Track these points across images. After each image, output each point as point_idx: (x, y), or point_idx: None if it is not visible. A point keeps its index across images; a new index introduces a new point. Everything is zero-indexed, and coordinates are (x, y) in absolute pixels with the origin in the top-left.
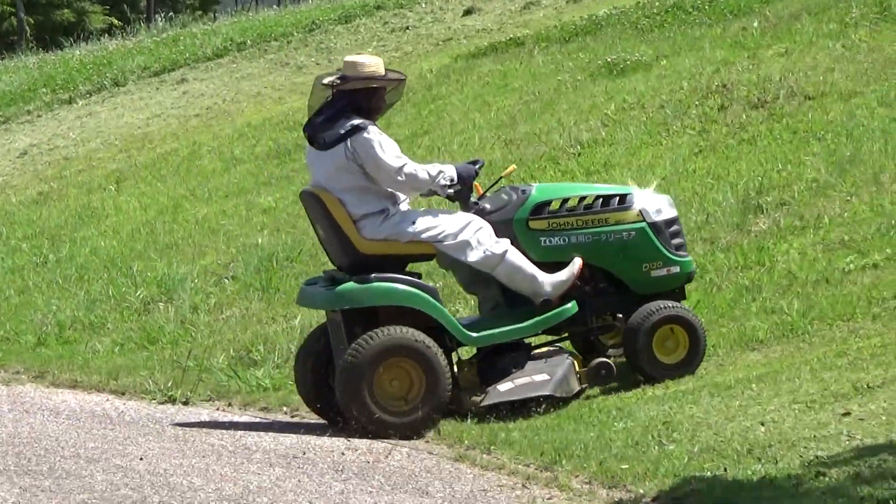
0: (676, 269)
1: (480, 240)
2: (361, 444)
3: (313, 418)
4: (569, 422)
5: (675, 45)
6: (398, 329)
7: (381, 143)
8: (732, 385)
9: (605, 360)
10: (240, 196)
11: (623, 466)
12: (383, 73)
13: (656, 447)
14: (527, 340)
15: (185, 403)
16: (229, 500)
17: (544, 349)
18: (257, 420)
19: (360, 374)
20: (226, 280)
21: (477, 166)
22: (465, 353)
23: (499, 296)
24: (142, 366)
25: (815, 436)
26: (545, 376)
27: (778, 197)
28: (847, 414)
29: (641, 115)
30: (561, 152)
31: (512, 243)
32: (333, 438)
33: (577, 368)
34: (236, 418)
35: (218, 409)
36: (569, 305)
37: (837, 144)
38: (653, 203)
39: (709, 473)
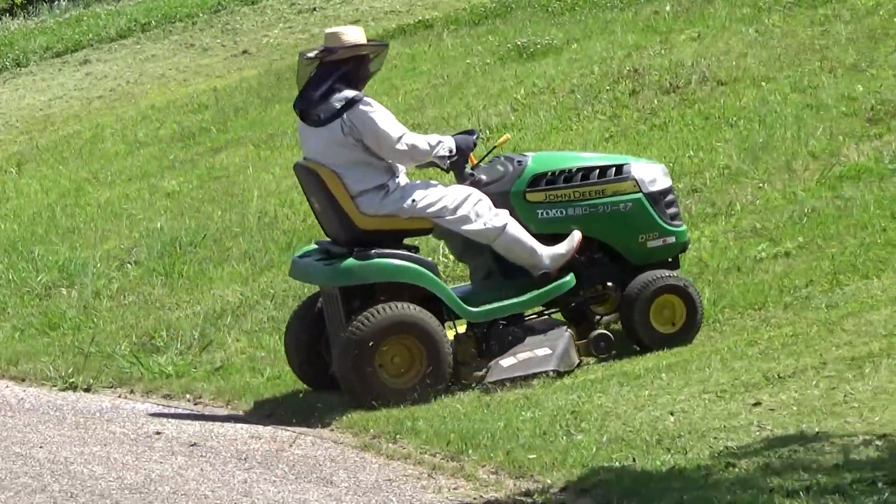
0: (672, 240)
1: (479, 212)
2: (265, 431)
3: (217, 406)
4: (476, 411)
5: (586, 29)
6: (401, 305)
7: (379, 112)
8: (642, 374)
9: (604, 331)
10: (143, 179)
11: (530, 456)
12: (365, 41)
13: (564, 437)
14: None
15: (87, 390)
16: (131, 489)
17: (536, 319)
18: (160, 407)
19: (363, 349)
20: (128, 265)
21: (474, 137)
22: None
23: (492, 264)
24: (42, 352)
25: (724, 426)
26: (547, 350)
27: (689, 184)
28: (757, 404)
29: (552, 100)
30: None
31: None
32: (237, 426)
33: (576, 341)
34: (138, 406)
35: (120, 397)
36: (567, 278)
37: (750, 131)
38: (648, 173)
39: (617, 464)
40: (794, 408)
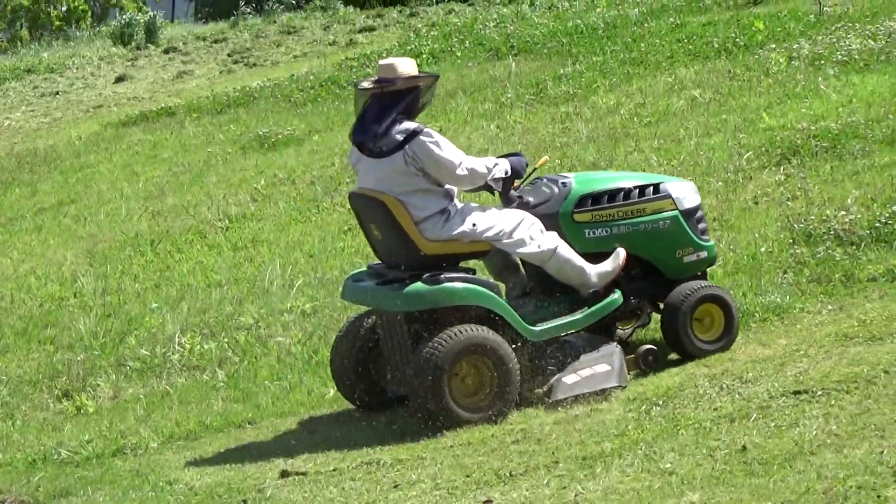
0: (704, 254)
1: (533, 235)
2: None
3: None
4: None
5: (328, 120)
6: (473, 328)
7: (439, 142)
8: (377, 468)
9: (650, 346)
10: None
11: None
12: (417, 73)
13: None
14: None
15: None
16: None
17: (572, 335)
18: None
19: (439, 371)
20: None
21: (524, 159)
22: None
23: (527, 283)
24: None
25: None
26: (606, 367)
27: None
28: (488, 502)
29: (292, 191)
30: (209, 226)
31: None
32: None
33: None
34: None
35: None
36: (616, 295)
37: None
38: (682, 190)
39: None
40: None
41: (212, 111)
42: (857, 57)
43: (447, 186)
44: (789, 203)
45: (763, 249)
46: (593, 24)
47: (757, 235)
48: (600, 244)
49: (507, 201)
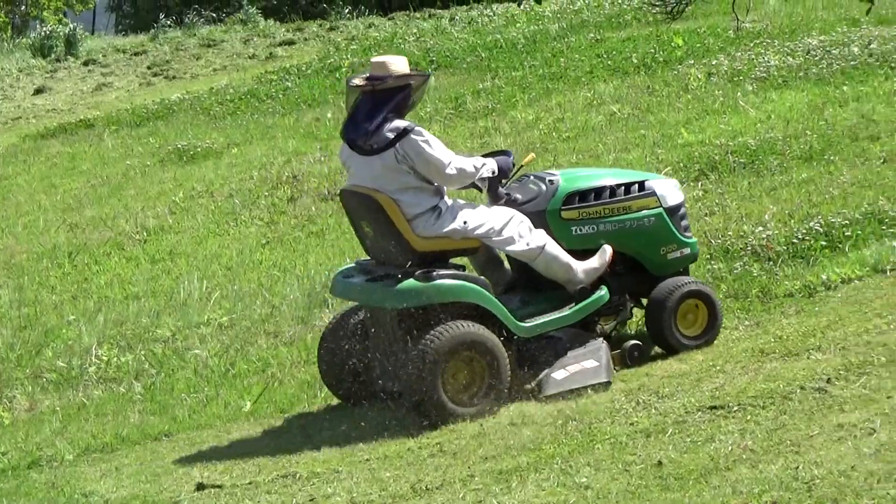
0: (687, 251)
1: (521, 233)
2: None
3: None
4: None
5: (247, 134)
6: (466, 323)
7: (430, 140)
8: (293, 480)
9: (636, 341)
10: None
11: None
12: (409, 71)
13: None
14: None
15: None
16: None
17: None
18: None
19: (433, 366)
20: None
21: (511, 158)
22: None
23: (511, 279)
24: None
25: None
26: (594, 362)
27: None
28: None
29: (210, 204)
30: (127, 238)
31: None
32: None
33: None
34: None
35: None
36: (603, 292)
37: None
38: (666, 188)
39: None
40: None
41: (131, 124)
42: (775, 73)
43: (437, 185)
44: (707, 219)
45: None
46: (513, 39)
47: None
48: (587, 241)
49: (494, 199)
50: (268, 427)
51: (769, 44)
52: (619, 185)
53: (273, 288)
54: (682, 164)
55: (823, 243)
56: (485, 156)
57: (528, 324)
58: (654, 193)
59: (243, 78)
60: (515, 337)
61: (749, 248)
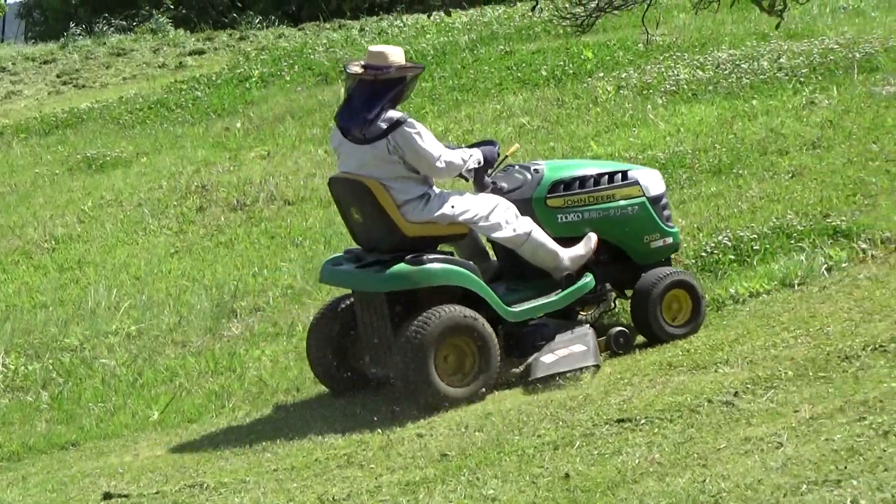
0: (670, 240)
1: (508, 220)
2: None
3: None
4: None
5: (156, 143)
6: (455, 308)
7: (422, 133)
8: (201, 490)
9: (622, 328)
10: None
11: None
12: (405, 62)
13: None
14: None
15: None
16: None
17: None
18: None
19: (425, 351)
20: None
21: (496, 147)
22: None
23: (496, 268)
24: None
25: None
26: (582, 346)
27: (252, 302)
28: None
29: (119, 213)
30: (35, 247)
31: None
32: None
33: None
34: None
35: None
36: (588, 279)
37: (315, 251)
38: (648, 178)
39: None
40: None
41: (40, 132)
42: (685, 87)
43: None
44: None
45: None
46: (423, 51)
47: None
48: (572, 229)
49: (480, 188)
50: (175, 437)
51: (679, 57)
52: (602, 175)
53: (181, 298)
54: None
55: (732, 257)
56: (470, 146)
57: (517, 308)
58: (637, 183)
59: (153, 87)
60: (500, 326)
61: None
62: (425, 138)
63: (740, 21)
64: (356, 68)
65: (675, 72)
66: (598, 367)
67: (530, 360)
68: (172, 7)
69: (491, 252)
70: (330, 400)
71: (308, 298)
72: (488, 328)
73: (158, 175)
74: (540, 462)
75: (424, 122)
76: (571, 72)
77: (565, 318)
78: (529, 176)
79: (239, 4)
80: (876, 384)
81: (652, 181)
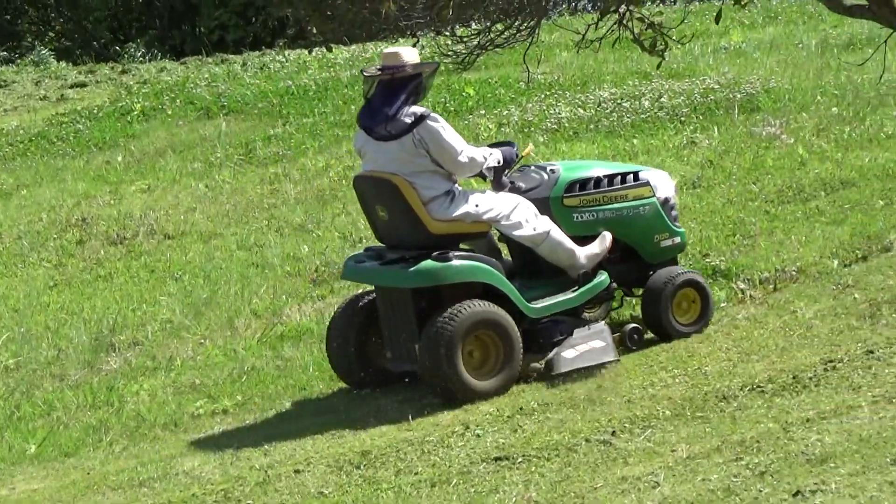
0: (678, 240)
1: (528, 219)
2: None
3: None
4: None
5: (37, 175)
6: (481, 303)
7: (445, 127)
8: None
9: (636, 325)
10: None
11: None
12: (419, 60)
13: None
14: None
15: None
16: None
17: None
18: None
19: (454, 344)
20: None
21: (514, 148)
22: None
23: (509, 267)
24: None
25: None
26: (600, 342)
27: (131, 336)
28: None
29: None
30: None
31: None
32: None
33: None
34: None
35: None
36: (604, 277)
37: (194, 286)
38: (658, 179)
39: None
40: None
41: None
42: (566, 125)
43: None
44: None
45: None
46: (305, 86)
47: None
48: (587, 228)
49: (497, 187)
50: (52, 471)
51: (560, 95)
52: (615, 175)
53: (60, 331)
54: None
55: None
56: (490, 146)
57: (538, 305)
58: (648, 183)
59: (34, 119)
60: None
61: None
62: (449, 133)
63: (622, 60)
64: (373, 71)
65: (557, 110)
66: (617, 361)
67: (551, 355)
68: (55, 39)
69: (504, 250)
70: (207, 436)
71: (187, 333)
72: (512, 323)
73: (38, 208)
74: (416, 499)
75: (305, 158)
76: (453, 108)
77: (571, 316)
78: (546, 176)
79: (121, 37)
80: (753, 424)
81: (662, 183)
